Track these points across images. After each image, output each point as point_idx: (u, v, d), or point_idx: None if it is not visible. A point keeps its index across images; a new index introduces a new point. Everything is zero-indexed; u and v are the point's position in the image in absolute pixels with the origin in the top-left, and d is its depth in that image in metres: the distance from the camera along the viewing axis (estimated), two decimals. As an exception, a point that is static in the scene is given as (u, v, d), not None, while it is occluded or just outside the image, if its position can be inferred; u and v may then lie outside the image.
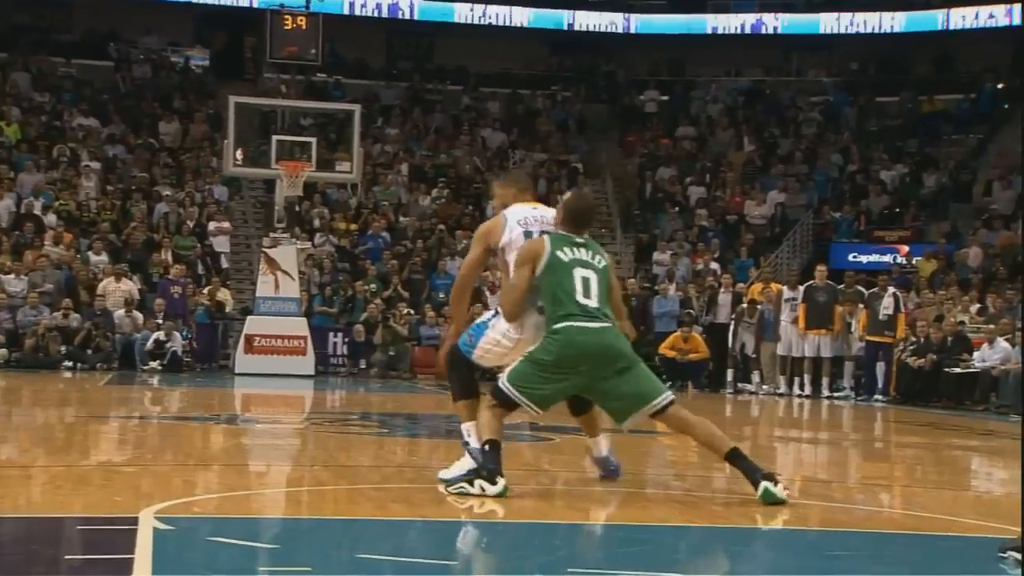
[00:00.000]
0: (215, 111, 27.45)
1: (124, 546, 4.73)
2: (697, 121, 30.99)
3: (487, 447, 6.64)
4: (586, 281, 6.82)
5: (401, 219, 25.51)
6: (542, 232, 7.00)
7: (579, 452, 10.21)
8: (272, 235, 20.86)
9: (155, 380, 18.37)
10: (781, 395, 19.45)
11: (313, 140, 21.54)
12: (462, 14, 31.95)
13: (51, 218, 23.22)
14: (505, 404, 6.77)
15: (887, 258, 24.41)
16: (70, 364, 19.72)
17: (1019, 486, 5.72)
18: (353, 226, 25.13)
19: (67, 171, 25.11)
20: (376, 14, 31.76)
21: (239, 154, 21.30)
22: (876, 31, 31.19)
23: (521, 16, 31.98)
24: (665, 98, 31.85)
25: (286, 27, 24.19)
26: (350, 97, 28.10)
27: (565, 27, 32.30)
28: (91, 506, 5.91)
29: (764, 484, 6.40)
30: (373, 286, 22.36)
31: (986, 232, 24.37)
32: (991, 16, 29.54)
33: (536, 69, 32.55)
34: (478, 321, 7.27)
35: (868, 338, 19.05)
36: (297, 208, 23.75)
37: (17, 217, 23.16)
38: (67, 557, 4.80)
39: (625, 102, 32.15)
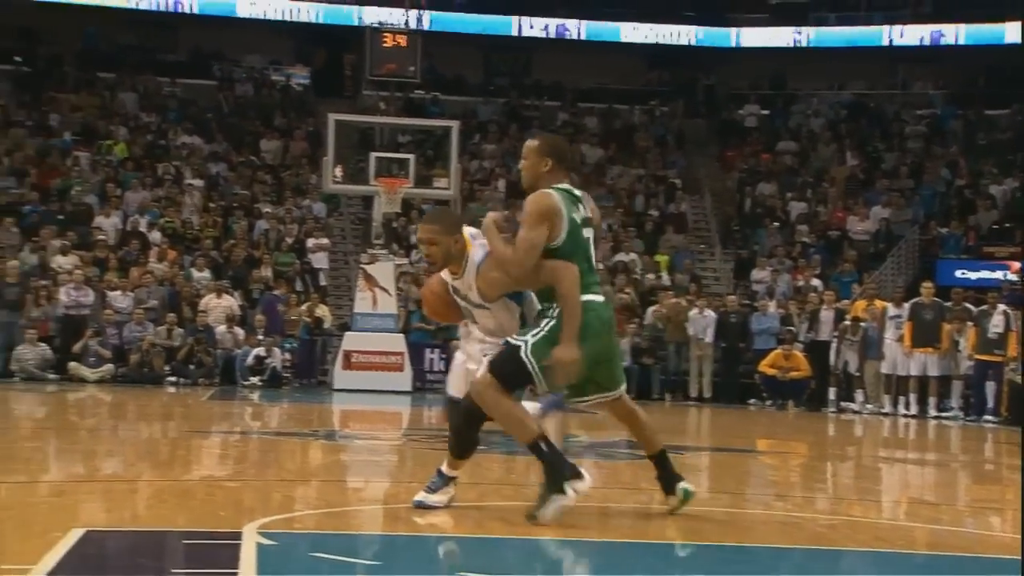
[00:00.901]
0: (315, 129, 27.84)
1: (228, 560, 4.82)
2: (798, 135, 30.68)
3: (543, 445, 6.03)
4: (589, 243, 6.39)
5: (499, 236, 25.61)
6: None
7: (678, 470, 10.16)
8: (370, 252, 21.09)
9: (255, 396, 18.66)
10: (886, 414, 19.12)
11: (411, 157, 21.73)
12: (557, 31, 32.07)
13: (155, 235, 23.72)
14: (510, 380, 6.04)
15: (997, 275, 23.84)
16: (173, 379, 20.10)
17: None
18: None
19: (171, 189, 25.63)
20: (475, 31, 32.01)
21: (338, 171, 21.56)
22: (986, 42, 30.62)
23: (618, 31, 32.00)
24: (765, 112, 31.60)
25: (385, 45, 24.51)
26: (448, 114, 28.31)
27: (662, 42, 32.22)
28: (195, 520, 6.02)
29: (682, 486, 6.45)
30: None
31: (1101, 248, 23.78)
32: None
33: (634, 84, 32.52)
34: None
35: (977, 357, 18.63)
36: (395, 225, 24.00)
37: (123, 235, 23.71)
38: (173, 571, 4.90)
39: (724, 117, 31.97)
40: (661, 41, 32.31)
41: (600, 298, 6.33)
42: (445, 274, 6.48)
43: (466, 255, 6.28)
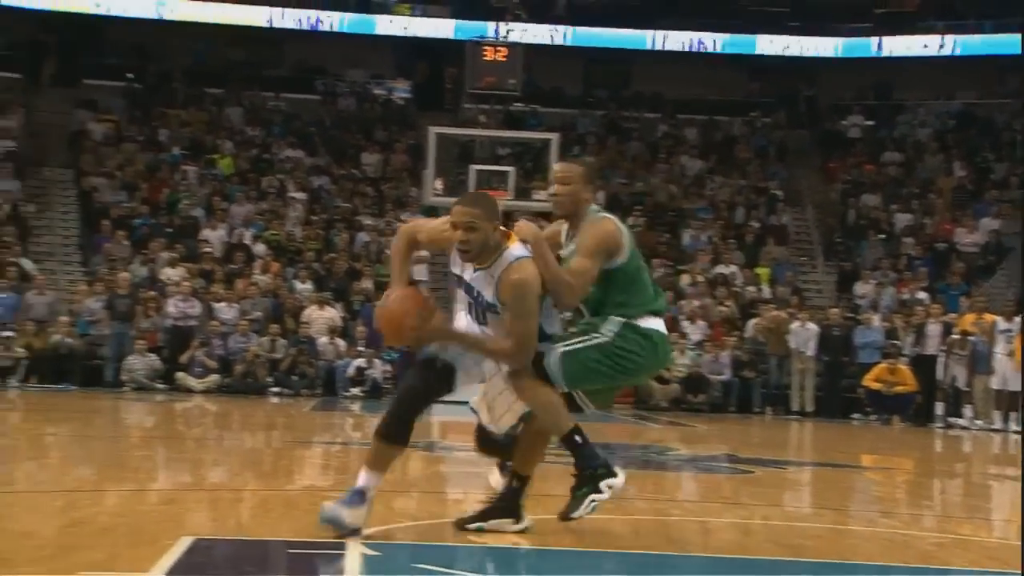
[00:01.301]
0: (416, 142, 28.09)
1: (332, 570, 4.89)
2: (904, 146, 30.20)
3: (579, 438, 5.88)
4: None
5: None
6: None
7: (779, 485, 10.06)
8: (470, 264, 21.22)
9: (356, 407, 18.85)
10: (995, 431, 18.72)
11: (511, 169, 21.84)
12: (656, 42, 31.95)
13: (260, 248, 24.10)
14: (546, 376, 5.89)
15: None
16: (276, 390, 20.39)
17: None
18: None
19: (275, 202, 26.04)
20: (574, 43, 32.05)
21: (439, 184, 21.75)
22: None
23: (718, 42, 31.80)
24: (870, 123, 31.16)
25: (485, 58, 24.68)
26: (547, 126, 28.39)
27: (763, 52, 31.95)
28: (299, 530, 6.11)
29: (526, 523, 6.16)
30: (567, 314, 22.46)
31: None
32: None
33: (734, 95, 32.30)
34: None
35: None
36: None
37: (229, 247, 24.13)
38: (277, 579, 4.98)
39: (827, 128, 31.59)
40: (761, 52, 32.02)
41: (663, 327, 6.10)
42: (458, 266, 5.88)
43: (502, 248, 5.77)
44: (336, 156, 28.64)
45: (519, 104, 29.13)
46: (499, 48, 24.99)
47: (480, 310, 5.87)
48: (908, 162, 29.65)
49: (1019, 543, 6.51)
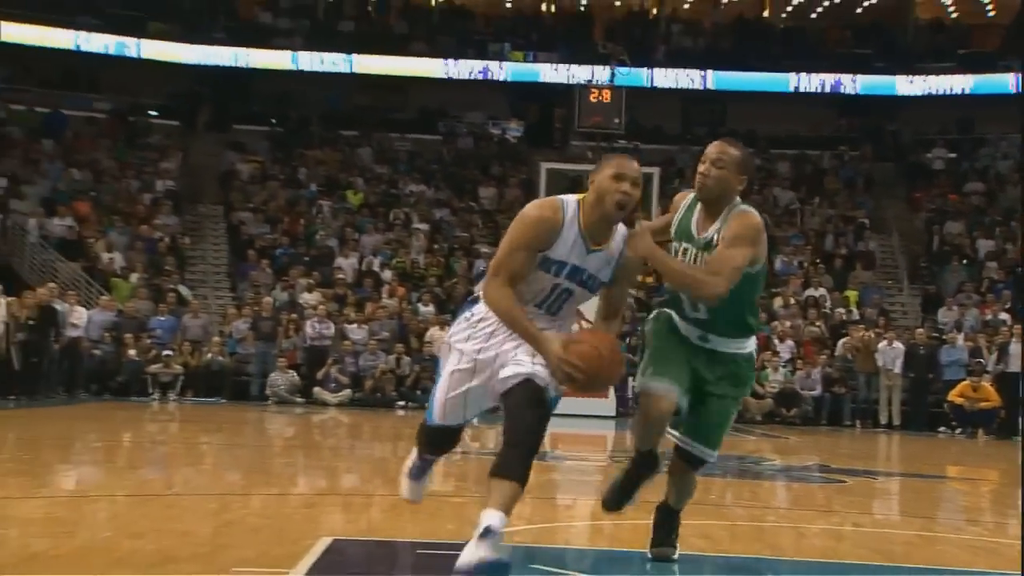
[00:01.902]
0: (528, 176, 28.14)
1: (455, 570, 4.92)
2: (986, 176, 29.43)
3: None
4: None
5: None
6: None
7: (868, 494, 9.86)
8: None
9: (474, 419, 18.86)
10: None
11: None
12: (756, 82, 31.61)
13: (387, 274, 24.34)
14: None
15: None
16: (402, 403, 20.52)
17: None
18: (649, 279, 25.15)
19: (401, 232, 26.26)
20: (673, 85, 31.87)
21: (550, 216, 21.74)
22: None
23: (810, 82, 31.32)
24: (953, 155, 30.44)
25: (592, 100, 24.78)
26: (648, 161, 28.24)
27: (850, 91, 31.37)
28: (426, 532, 6.17)
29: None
30: (654, 312, 22.29)
31: None
32: None
33: (824, 131, 31.78)
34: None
35: None
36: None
37: (359, 274, 24.41)
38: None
39: (912, 160, 30.90)
40: (851, 91, 31.41)
41: None
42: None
43: (615, 228, 4.73)
44: (456, 190, 28.81)
45: (622, 141, 29.02)
46: (604, 90, 25.04)
47: (563, 297, 4.77)
48: (990, 192, 28.86)
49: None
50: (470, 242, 26.25)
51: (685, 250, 5.12)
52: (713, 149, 5.14)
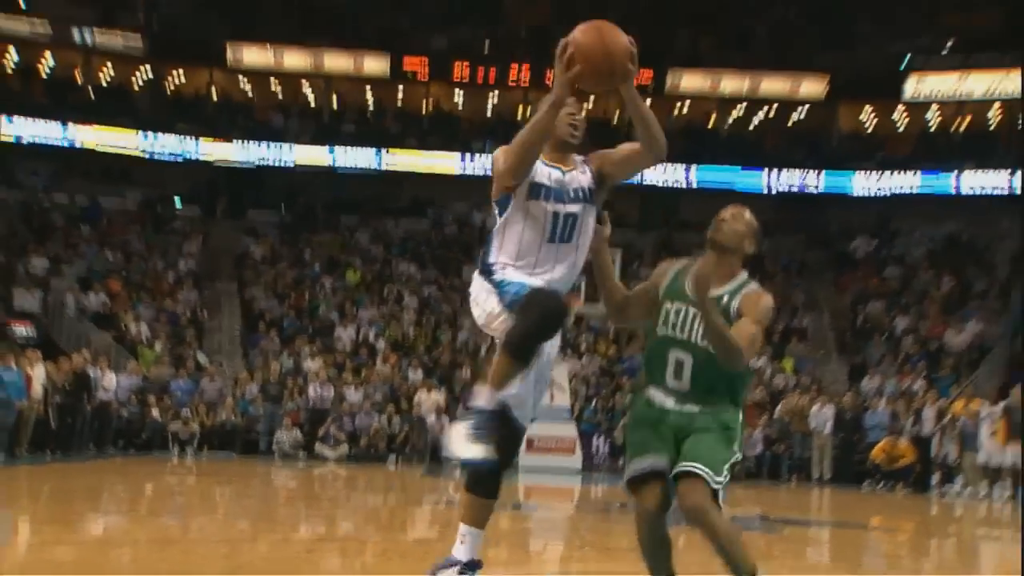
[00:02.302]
0: None
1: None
2: (902, 263, 29.75)
3: None
4: None
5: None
6: None
7: (803, 541, 9.85)
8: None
9: (459, 473, 18.77)
10: (982, 498, 18.13)
11: (582, 279, 21.75)
12: (705, 179, 31.80)
13: (381, 343, 24.29)
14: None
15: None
16: (394, 459, 20.38)
17: None
18: (612, 349, 25.26)
19: (393, 307, 26.23)
20: (633, 181, 31.88)
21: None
22: None
23: (751, 179, 31.53)
24: (874, 244, 30.73)
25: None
26: (611, 244, 28.34)
27: (785, 189, 31.56)
28: (414, 573, 6.13)
29: None
30: (628, 397, 22.33)
31: None
32: None
33: (764, 222, 31.87)
34: None
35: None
36: (568, 334, 24.04)
37: (356, 343, 24.34)
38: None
39: (839, 248, 31.22)
40: (786, 189, 31.66)
41: None
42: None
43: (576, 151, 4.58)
44: (442, 270, 28.82)
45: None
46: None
47: (569, 223, 4.47)
48: (905, 276, 29.14)
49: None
50: (454, 316, 26.23)
51: (678, 311, 4.51)
52: (733, 208, 4.71)
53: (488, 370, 4.33)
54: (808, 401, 21.29)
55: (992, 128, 30.06)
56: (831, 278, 30.18)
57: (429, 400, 21.35)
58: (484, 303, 4.46)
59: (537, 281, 4.36)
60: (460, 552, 4.52)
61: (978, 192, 29.54)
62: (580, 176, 4.50)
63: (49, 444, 17.10)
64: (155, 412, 20.19)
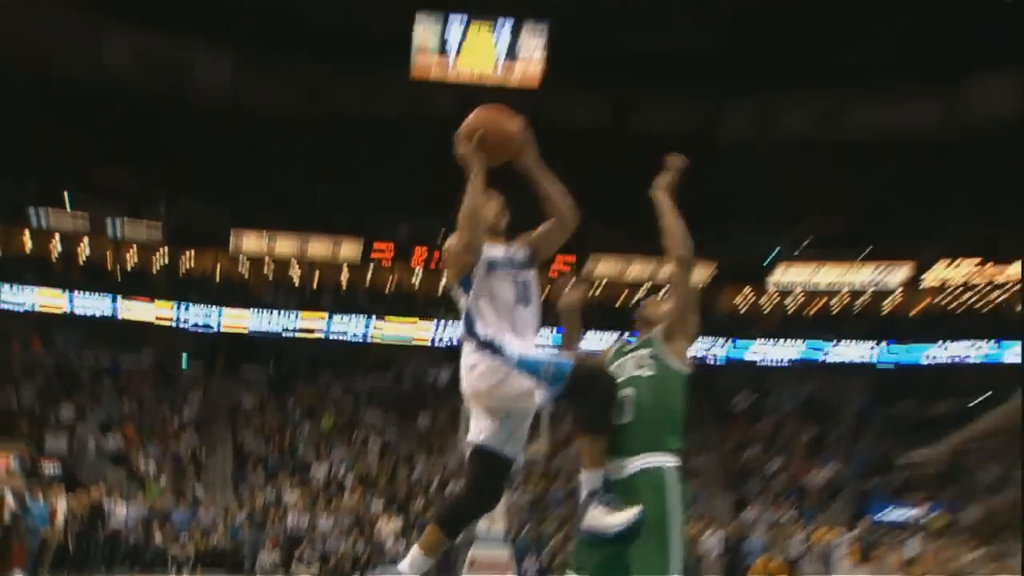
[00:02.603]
0: (453, 409, 27.01)
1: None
2: (775, 415, 30.37)
3: None
4: None
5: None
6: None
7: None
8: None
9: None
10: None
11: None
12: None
13: (349, 478, 24.25)
14: None
15: (912, 512, 23.20)
16: (358, 577, 20.13)
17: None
18: (543, 483, 25.24)
19: (360, 448, 26.18)
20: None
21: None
22: (904, 362, 29.73)
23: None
24: (753, 399, 31.04)
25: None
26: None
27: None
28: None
29: None
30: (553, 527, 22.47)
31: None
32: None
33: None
34: None
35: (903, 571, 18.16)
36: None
37: (328, 479, 24.28)
38: None
39: (724, 405, 31.59)
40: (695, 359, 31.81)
41: None
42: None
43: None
44: (401, 417, 28.63)
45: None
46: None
47: (528, 289, 4.29)
48: (777, 426, 29.73)
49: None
50: (411, 455, 26.26)
51: (622, 363, 4.15)
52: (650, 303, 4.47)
53: (580, 456, 3.92)
54: (699, 531, 21.71)
55: (840, 311, 30.84)
56: (718, 427, 30.79)
57: (388, 527, 21.35)
58: (494, 376, 4.04)
59: (543, 352, 4.04)
60: (404, 566, 4.10)
61: (834, 360, 30.33)
62: (518, 250, 4.34)
63: (67, 567, 16.92)
64: (158, 537, 20.01)
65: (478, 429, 4.17)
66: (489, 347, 4.06)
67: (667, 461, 3.92)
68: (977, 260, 28.21)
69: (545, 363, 3.95)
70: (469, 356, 4.13)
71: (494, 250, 4.24)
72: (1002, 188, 25.82)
